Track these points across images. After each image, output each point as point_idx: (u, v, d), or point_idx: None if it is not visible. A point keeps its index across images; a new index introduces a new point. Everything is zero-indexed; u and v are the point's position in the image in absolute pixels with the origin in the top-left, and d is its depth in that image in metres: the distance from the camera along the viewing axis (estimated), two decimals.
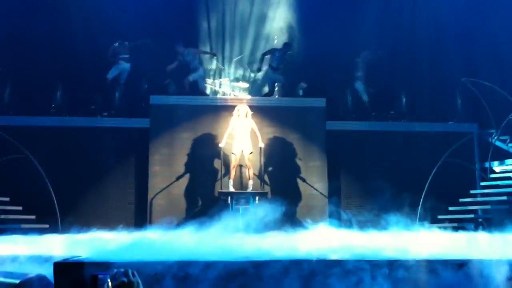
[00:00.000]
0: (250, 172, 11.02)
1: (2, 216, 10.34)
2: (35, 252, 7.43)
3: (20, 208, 10.75)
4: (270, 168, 11.64)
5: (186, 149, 11.67)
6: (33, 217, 10.74)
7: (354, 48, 13.06)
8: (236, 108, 11.18)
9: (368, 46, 12.90)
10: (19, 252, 7.39)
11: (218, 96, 12.92)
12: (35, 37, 12.48)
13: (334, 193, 11.56)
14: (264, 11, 13.59)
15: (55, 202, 10.88)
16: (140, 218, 11.24)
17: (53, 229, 9.98)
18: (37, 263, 7.03)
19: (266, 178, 11.54)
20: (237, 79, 13.45)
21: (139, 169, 11.58)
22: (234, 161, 11.05)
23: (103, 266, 6.47)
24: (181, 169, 11.57)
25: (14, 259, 7.14)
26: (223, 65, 13.57)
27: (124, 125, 11.89)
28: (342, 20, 13.39)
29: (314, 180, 11.68)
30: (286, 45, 12.76)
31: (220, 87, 13.19)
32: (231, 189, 10.96)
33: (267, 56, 12.66)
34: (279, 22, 13.61)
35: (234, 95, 12.84)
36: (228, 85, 13.22)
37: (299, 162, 11.71)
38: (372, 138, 12.11)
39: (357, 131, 12.23)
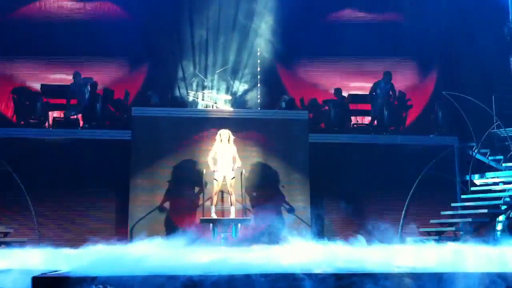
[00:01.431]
0: (232, 198, 10.90)
1: None
2: (13, 266, 7.30)
3: None
4: (253, 193, 11.56)
5: (168, 161, 11.58)
6: (11, 230, 10.56)
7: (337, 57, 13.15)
8: (218, 133, 11.04)
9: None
10: None
11: (201, 108, 12.87)
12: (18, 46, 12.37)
13: (316, 206, 11.53)
14: (248, 22, 13.61)
15: (34, 215, 10.71)
16: (121, 232, 11.10)
17: (32, 243, 9.82)
18: (16, 278, 6.90)
19: (248, 203, 11.43)
20: (219, 91, 13.43)
21: (120, 181, 11.43)
22: (216, 187, 10.89)
23: (83, 280, 6.39)
24: (162, 182, 11.46)
25: None
26: (205, 77, 13.55)
27: (105, 137, 11.75)
28: (323, 30, 13.54)
29: (296, 193, 11.65)
30: (386, 74, 12.87)
31: (203, 99, 13.15)
32: (214, 216, 10.78)
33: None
34: (262, 33, 13.64)
35: (217, 107, 12.80)
36: (211, 97, 13.18)
37: (282, 189, 11.65)
38: (354, 151, 12.10)
39: (339, 144, 12.22)
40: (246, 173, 11.26)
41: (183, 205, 11.45)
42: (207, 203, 11.10)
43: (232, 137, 11.04)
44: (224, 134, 11.00)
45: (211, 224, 10.69)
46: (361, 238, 8.70)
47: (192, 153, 11.63)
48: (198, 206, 11.34)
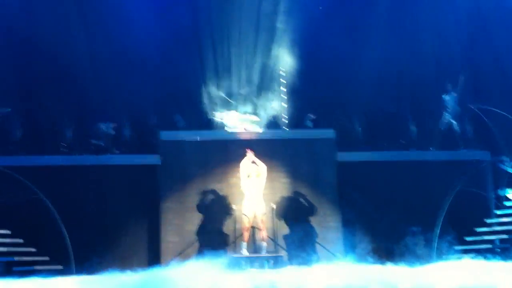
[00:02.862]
0: (263, 234, 10.75)
1: (16, 258, 10.28)
2: None
3: (34, 249, 10.71)
4: (284, 229, 11.43)
5: (198, 184, 11.61)
6: (46, 258, 10.68)
7: (362, 75, 13.09)
8: (245, 169, 10.88)
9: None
10: None
11: (228, 130, 12.89)
12: (43, 76, 12.55)
13: (347, 225, 11.42)
14: (269, 43, 13.63)
15: (68, 242, 10.82)
16: (153, 256, 11.12)
17: (67, 270, 9.89)
18: None
19: (280, 238, 11.32)
20: (246, 113, 13.44)
21: (150, 205, 11.49)
22: (247, 223, 10.74)
23: None
24: (193, 204, 11.50)
25: None
26: (231, 98, 13.58)
27: (134, 162, 11.85)
28: (347, 46, 13.50)
29: (327, 213, 11.57)
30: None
31: (229, 121, 13.17)
32: (245, 253, 10.57)
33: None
34: (284, 53, 13.65)
35: (245, 129, 12.81)
36: (238, 118, 13.19)
37: (313, 220, 11.53)
38: (383, 168, 11.99)
39: (368, 162, 12.12)
40: (274, 206, 11.17)
41: (214, 228, 11.42)
42: (239, 239, 10.96)
43: (261, 172, 10.87)
44: (253, 170, 10.89)
45: (242, 262, 10.28)
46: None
47: (221, 175, 11.64)
48: (229, 244, 11.25)
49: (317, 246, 11.25)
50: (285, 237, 11.37)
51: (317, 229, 11.48)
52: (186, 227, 11.39)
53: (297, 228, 11.33)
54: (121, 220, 11.32)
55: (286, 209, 11.56)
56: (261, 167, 10.89)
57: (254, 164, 10.96)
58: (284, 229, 11.42)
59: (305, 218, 11.53)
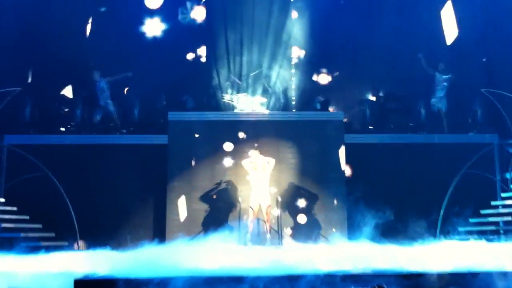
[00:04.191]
0: (267, 226, 10.86)
1: (23, 234, 10.43)
2: (55, 270, 7.47)
3: (40, 226, 10.86)
4: (288, 220, 11.44)
5: (205, 164, 11.66)
6: (52, 234, 10.83)
7: (371, 58, 13.01)
8: (252, 161, 11.02)
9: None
10: (40, 269, 7.44)
11: (236, 111, 12.91)
12: (53, 56, 12.61)
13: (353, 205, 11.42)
14: (281, 24, 13.58)
15: (74, 219, 10.96)
16: (159, 234, 11.22)
17: (72, 246, 10.02)
18: (58, 280, 7.06)
19: (284, 230, 11.35)
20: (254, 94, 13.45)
21: (157, 185, 11.57)
22: (251, 215, 10.87)
23: (124, 282, 6.51)
24: (200, 184, 11.55)
25: (35, 276, 7.19)
26: (240, 80, 13.58)
27: (142, 141, 11.93)
28: (359, 30, 13.41)
29: (332, 193, 11.58)
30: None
31: (238, 102, 13.20)
32: (249, 245, 10.70)
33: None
34: (296, 36, 13.61)
35: (253, 110, 12.82)
36: (246, 99, 13.20)
37: (318, 215, 11.53)
38: (391, 151, 11.97)
39: (375, 144, 12.10)
40: (280, 198, 11.21)
41: (220, 206, 11.49)
42: (243, 230, 11.05)
43: (267, 164, 10.98)
44: (259, 162, 10.98)
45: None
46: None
47: (228, 156, 11.67)
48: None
49: (322, 232, 11.31)
50: (291, 227, 11.41)
51: (323, 214, 11.51)
52: (193, 206, 11.45)
53: (302, 218, 11.40)
54: (127, 198, 11.39)
55: (291, 193, 11.57)
56: (269, 160, 11.00)
57: (261, 156, 11.06)
58: (289, 220, 11.44)
59: (311, 202, 11.54)
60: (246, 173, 11.21)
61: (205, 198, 11.47)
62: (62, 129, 12.42)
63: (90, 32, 13.18)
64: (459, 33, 13.33)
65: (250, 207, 10.90)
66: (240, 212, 11.25)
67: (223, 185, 11.53)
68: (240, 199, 11.29)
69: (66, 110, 12.73)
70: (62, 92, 12.71)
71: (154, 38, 13.22)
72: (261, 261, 7.81)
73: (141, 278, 6.56)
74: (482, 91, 12.26)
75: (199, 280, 6.50)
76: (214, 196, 11.51)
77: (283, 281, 6.47)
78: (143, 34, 13.23)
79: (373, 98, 13.44)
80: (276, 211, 11.25)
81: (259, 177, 10.93)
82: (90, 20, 13.24)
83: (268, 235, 10.82)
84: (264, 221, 10.90)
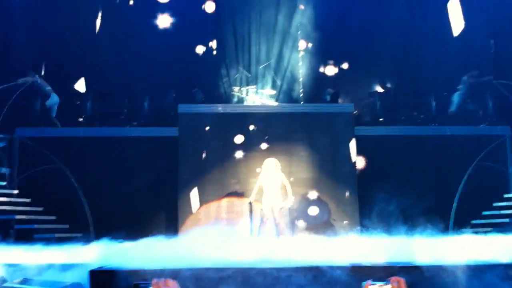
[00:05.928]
0: (280, 228, 10.82)
1: (37, 226, 10.51)
2: (70, 261, 7.52)
3: (54, 217, 10.94)
4: (300, 212, 11.45)
5: (215, 156, 11.68)
6: (66, 226, 10.90)
7: (381, 50, 12.96)
8: (264, 162, 11.02)
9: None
10: (54, 260, 7.49)
11: (246, 103, 12.92)
12: (65, 48, 12.65)
13: (364, 199, 11.42)
14: (289, 17, 13.56)
15: (87, 211, 11.02)
16: (171, 226, 11.27)
17: (86, 238, 10.07)
18: (73, 272, 7.11)
19: (296, 222, 11.37)
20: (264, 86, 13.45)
21: (168, 177, 11.61)
22: (264, 217, 10.85)
23: (137, 274, 6.54)
24: (211, 176, 11.58)
25: (50, 267, 7.24)
26: (249, 72, 13.58)
27: (153, 134, 11.96)
28: (368, 21, 13.35)
29: (343, 186, 11.57)
30: None
31: (247, 95, 13.20)
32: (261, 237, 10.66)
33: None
34: (304, 27, 13.58)
35: (262, 102, 12.82)
36: (255, 92, 13.21)
37: (330, 207, 11.51)
38: (402, 143, 11.94)
39: (386, 136, 12.07)
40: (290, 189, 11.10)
41: (230, 199, 11.52)
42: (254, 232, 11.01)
43: (279, 166, 10.94)
44: (271, 163, 10.94)
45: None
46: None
47: (238, 148, 11.67)
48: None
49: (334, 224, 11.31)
50: (303, 220, 11.44)
51: (334, 206, 11.52)
52: (203, 198, 11.49)
53: (313, 210, 11.42)
54: (139, 190, 11.41)
55: (302, 185, 11.56)
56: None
57: (273, 159, 11.01)
58: (300, 212, 11.45)
59: (322, 194, 11.55)
60: (256, 166, 11.23)
61: (217, 191, 11.50)
62: (80, 119, 12.42)
63: (100, 26, 13.18)
64: (467, 25, 13.24)
65: (262, 210, 10.86)
66: (252, 205, 11.22)
67: (232, 168, 11.53)
68: (250, 199, 11.20)
69: (78, 103, 12.76)
70: (75, 86, 12.74)
71: (164, 31, 13.22)
72: (272, 252, 7.84)
73: (154, 269, 6.60)
74: (494, 83, 12.17)
75: (211, 271, 6.53)
76: (226, 190, 11.54)
77: (295, 272, 6.48)
78: (153, 27, 13.24)
79: (383, 90, 13.41)
80: (288, 204, 11.22)
81: (271, 179, 10.86)
82: (100, 14, 13.24)
83: (281, 237, 10.67)
84: (277, 223, 10.82)
